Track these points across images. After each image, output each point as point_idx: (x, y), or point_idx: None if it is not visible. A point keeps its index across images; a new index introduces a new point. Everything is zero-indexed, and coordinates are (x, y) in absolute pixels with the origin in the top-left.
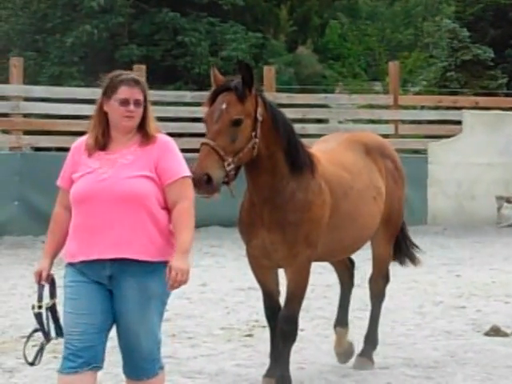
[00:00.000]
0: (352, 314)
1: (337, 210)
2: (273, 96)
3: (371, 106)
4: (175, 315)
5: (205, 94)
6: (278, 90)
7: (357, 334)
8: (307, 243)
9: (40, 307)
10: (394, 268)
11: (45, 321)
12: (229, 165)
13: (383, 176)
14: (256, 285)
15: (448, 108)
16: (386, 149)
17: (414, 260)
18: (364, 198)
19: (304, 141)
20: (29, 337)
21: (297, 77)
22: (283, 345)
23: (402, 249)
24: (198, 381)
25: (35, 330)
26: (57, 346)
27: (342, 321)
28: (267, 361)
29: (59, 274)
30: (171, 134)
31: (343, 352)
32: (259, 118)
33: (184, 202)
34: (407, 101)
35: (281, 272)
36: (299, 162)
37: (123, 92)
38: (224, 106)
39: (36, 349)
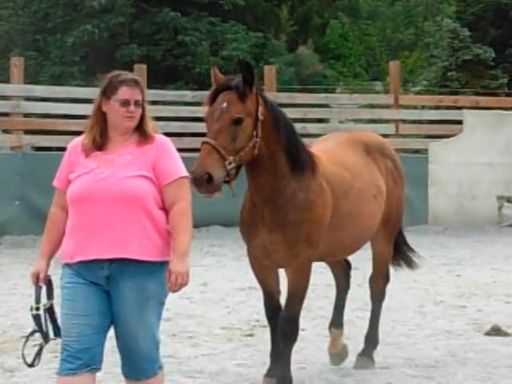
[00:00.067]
0: (353, 314)
1: (338, 210)
2: (273, 96)
3: (372, 106)
4: (176, 315)
5: (205, 94)
6: (279, 90)
7: (358, 333)
8: (308, 243)
9: (38, 309)
10: (395, 268)
11: (43, 322)
12: (230, 164)
13: (383, 175)
14: (257, 284)
15: (449, 108)
16: (385, 148)
17: (410, 264)
18: (365, 197)
19: (305, 140)
20: (27, 338)
21: (297, 76)
22: (284, 345)
23: (399, 252)
24: (198, 380)
25: (33, 332)
26: (57, 345)
27: (337, 322)
28: (268, 360)
29: (56, 274)
30: (172, 134)
31: (337, 353)
32: (260, 117)
33: (181, 203)
34: (408, 100)
35: (281, 272)
36: (300, 161)
37: (124, 93)
38: (225, 105)
39: (35, 349)
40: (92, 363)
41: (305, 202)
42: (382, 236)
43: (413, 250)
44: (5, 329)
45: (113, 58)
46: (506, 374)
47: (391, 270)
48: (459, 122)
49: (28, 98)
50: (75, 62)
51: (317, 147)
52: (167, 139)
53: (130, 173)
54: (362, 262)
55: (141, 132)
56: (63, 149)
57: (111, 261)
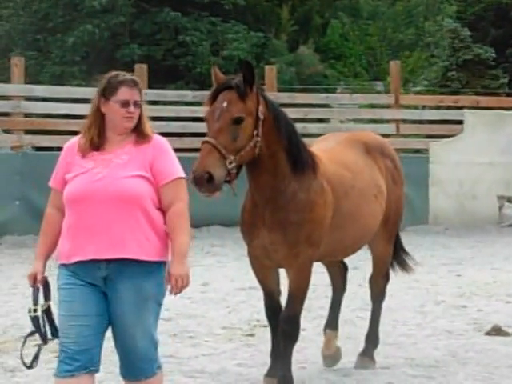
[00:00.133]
0: (353, 314)
1: (338, 210)
2: (274, 96)
3: (372, 106)
4: (176, 315)
5: (206, 94)
6: (280, 90)
7: (358, 333)
8: (309, 243)
9: (35, 310)
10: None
11: (41, 324)
12: (230, 163)
13: (383, 175)
14: (257, 284)
15: (449, 108)
16: (385, 148)
17: (405, 267)
18: (365, 196)
19: (305, 140)
20: (25, 339)
21: (298, 76)
22: (285, 345)
23: (394, 255)
24: (199, 380)
25: (32, 333)
26: (58, 345)
27: (332, 323)
28: (268, 360)
29: (52, 275)
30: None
31: (330, 355)
32: (261, 116)
33: (179, 204)
34: (408, 100)
35: (282, 272)
36: (301, 161)
37: (124, 93)
38: (225, 105)
39: (34, 350)
40: (90, 365)
41: (306, 202)
42: (382, 236)
43: (408, 254)
44: (5, 329)
45: (113, 58)
46: (506, 374)
47: (391, 270)
48: (460, 122)
49: (28, 98)
50: (76, 62)
51: (317, 147)
52: (164, 139)
53: (127, 173)
54: (361, 262)
55: (138, 132)
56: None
57: (108, 261)
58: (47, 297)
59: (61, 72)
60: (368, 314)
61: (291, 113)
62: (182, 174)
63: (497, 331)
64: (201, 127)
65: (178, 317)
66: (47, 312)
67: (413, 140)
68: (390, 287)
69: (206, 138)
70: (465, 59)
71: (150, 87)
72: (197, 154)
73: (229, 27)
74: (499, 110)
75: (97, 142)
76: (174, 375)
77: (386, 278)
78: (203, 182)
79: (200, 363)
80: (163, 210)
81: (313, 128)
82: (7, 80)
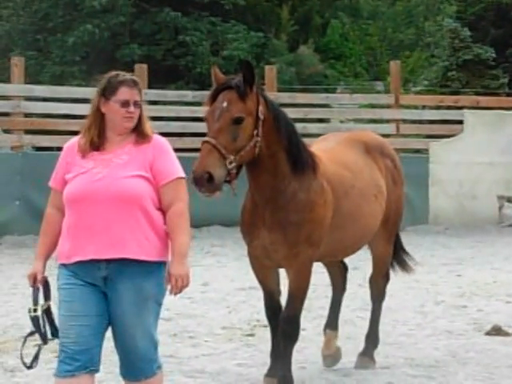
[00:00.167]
0: (353, 314)
1: (339, 210)
2: (274, 96)
3: (372, 106)
4: (176, 315)
5: (206, 94)
6: (280, 90)
7: (358, 333)
8: (309, 243)
9: (35, 310)
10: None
11: (41, 323)
12: (230, 163)
13: (383, 175)
14: (257, 284)
15: (449, 108)
16: (385, 148)
17: (405, 267)
18: (365, 196)
19: (305, 140)
20: (25, 340)
21: (298, 76)
22: (285, 345)
23: (394, 255)
24: (199, 380)
25: (31, 333)
26: (58, 345)
27: (332, 324)
28: (268, 360)
29: (52, 275)
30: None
31: (330, 355)
32: (261, 116)
33: (179, 204)
34: (408, 100)
35: (282, 272)
36: (301, 161)
37: (124, 93)
38: (225, 104)
39: (34, 350)
40: (90, 365)
41: (306, 202)
42: (382, 236)
43: (408, 254)
44: (5, 329)
45: (113, 58)
46: (506, 374)
47: (391, 270)
48: (460, 122)
49: (29, 98)
50: (76, 62)
51: (317, 147)
52: (164, 139)
53: (127, 173)
54: (361, 262)
55: (138, 132)
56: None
57: (108, 261)
58: (47, 297)
59: (61, 72)
60: (368, 314)
61: (291, 113)
62: (182, 174)
63: (497, 331)
64: (201, 127)
65: (178, 317)
66: (47, 312)
67: (413, 140)
68: (390, 287)
69: (205, 138)
70: (465, 59)
71: (150, 87)
72: (197, 154)
73: (229, 27)
74: (499, 110)
75: (97, 142)
76: (174, 375)
77: (386, 278)
78: (203, 181)
79: (200, 363)
80: (163, 210)
81: (313, 128)
82: (7, 80)
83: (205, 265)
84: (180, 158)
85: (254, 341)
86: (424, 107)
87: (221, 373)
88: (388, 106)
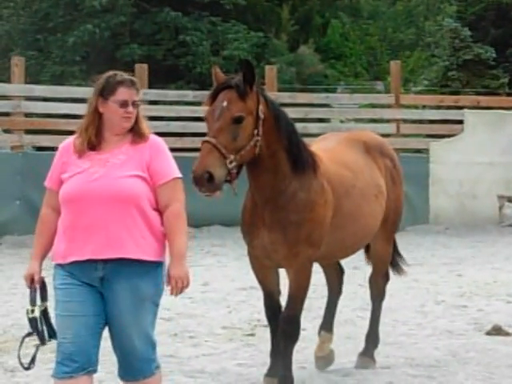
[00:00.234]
0: (353, 314)
1: (339, 209)
2: (274, 95)
3: (373, 106)
4: (177, 314)
5: (206, 94)
6: (280, 90)
7: (358, 333)
8: (309, 243)
9: (33, 311)
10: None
11: (39, 325)
12: (231, 163)
13: (383, 174)
14: (257, 284)
15: (449, 107)
16: (384, 147)
17: (397, 269)
18: (366, 196)
19: (305, 140)
20: (22, 341)
21: (298, 76)
22: (285, 345)
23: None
24: (199, 380)
25: (28, 334)
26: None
27: (326, 326)
28: (269, 360)
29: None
30: (173, 134)
31: (323, 357)
32: (261, 115)
33: (176, 205)
34: (409, 100)
35: (282, 272)
36: (301, 161)
37: (122, 93)
38: (225, 104)
39: (32, 351)
40: (88, 365)
41: (306, 202)
42: (381, 235)
43: (401, 256)
44: (5, 328)
45: (114, 58)
46: (507, 374)
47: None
48: (460, 122)
49: (29, 98)
50: (76, 62)
51: (317, 146)
52: (161, 139)
53: (123, 173)
54: (361, 262)
55: (135, 131)
56: None
57: (106, 261)
58: (44, 297)
59: (61, 72)
60: (368, 314)
61: (291, 113)
62: (179, 175)
63: (497, 331)
64: (201, 127)
65: (179, 317)
66: (44, 313)
67: (413, 140)
68: (390, 287)
69: (206, 138)
70: (465, 59)
71: (150, 87)
72: (197, 154)
73: (229, 27)
74: (499, 109)
75: (94, 142)
76: (174, 375)
77: (386, 278)
78: (203, 181)
79: (200, 363)
80: (160, 211)
81: (313, 128)
82: (7, 80)
83: (205, 265)
84: (180, 158)
85: (254, 341)
86: (424, 107)
87: (221, 373)
88: (388, 106)
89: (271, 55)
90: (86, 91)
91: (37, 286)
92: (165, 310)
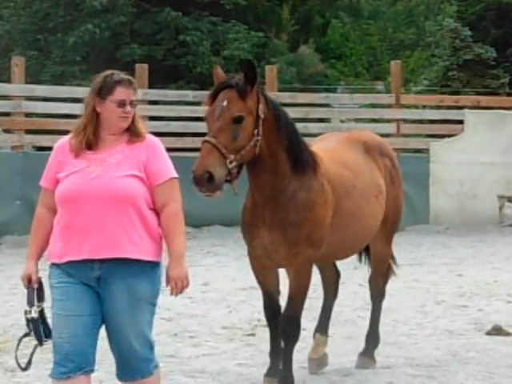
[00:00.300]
0: (354, 314)
1: (339, 209)
2: (275, 95)
3: (373, 106)
4: (177, 314)
5: (207, 94)
6: (280, 90)
7: (359, 333)
8: (309, 243)
9: (31, 312)
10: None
11: (39, 325)
12: (231, 162)
13: (382, 174)
14: (257, 284)
15: (450, 107)
16: (383, 147)
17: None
18: (366, 196)
19: (306, 140)
20: (19, 342)
21: (299, 76)
22: (286, 344)
23: None
24: (199, 380)
25: (26, 335)
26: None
27: (321, 329)
28: (269, 360)
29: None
30: (173, 134)
31: (316, 359)
32: (261, 115)
33: (173, 205)
34: (409, 100)
35: (282, 272)
36: (301, 160)
37: (120, 93)
38: (225, 104)
39: (29, 352)
40: (85, 365)
41: (306, 202)
42: (381, 235)
43: (393, 257)
44: (6, 328)
45: (114, 58)
46: (507, 374)
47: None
48: (460, 122)
49: (29, 98)
50: (76, 62)
51: (317, 146)
52: (157, 139)
53: (120, 172)
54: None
55: (131, 131)
56: None
57: (102, 261)
58: (41, 298)
59: (61, 72)
60: (368, 314)
61: (292, 112)
62: (175, 175)
63: (497, 331)
64: (201, 127)
65: (179, 316)
66: (41, 313)
67: (413, 140)
68: (390, 287)
69: (206, 138)
70: (465, 59)
71: (150, 87)
72: (197, 154)
73: (229, 27)
74: (500, 109)
75: (92, 142)
76: (174, 375)
77: (386, 278)
78: (203, 181)
79: (200, 363)
80: (156, 211)
81: (313, 128)
82: (8, 80)
83: (205, 265)
84: (180, 158)
85: (254, 340)
86: (424, 107)
87: (221, 373)
88: (388, 106)
89: (271, 55)
90: (86, 91)
91: (34, 286)
92: (165, 309)
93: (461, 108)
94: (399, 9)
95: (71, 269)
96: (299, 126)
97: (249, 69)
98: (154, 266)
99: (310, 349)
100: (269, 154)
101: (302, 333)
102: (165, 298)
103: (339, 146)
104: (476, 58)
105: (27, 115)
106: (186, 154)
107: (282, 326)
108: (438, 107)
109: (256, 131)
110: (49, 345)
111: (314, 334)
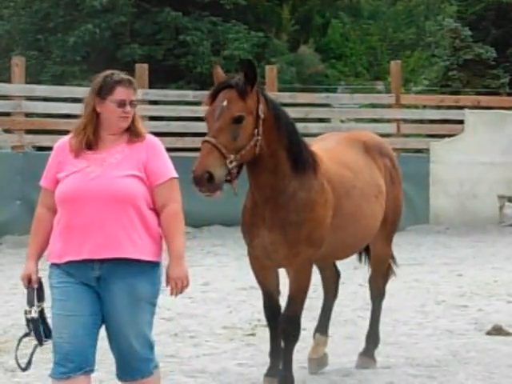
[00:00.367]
0: (354, 313)
1: (339, 209)
2: (275, 95)
3: (373, 106)
4: (177, 314)
5: (207, 93)
6: (280, 90)
7: (359, 333)
8: (309, 243)
9: (31, 312)
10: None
11: (39, 325)
12: (231, 162)
13: (382, 174)
14: (257, 284)
15: (450, 107)
16: (383, 147)
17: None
18: (366, 196)
19: (306, 140)
20: (19, 342)
21: (299, 76)
22: (286, 344)
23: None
24: (200, 380)
25: (25, 335)
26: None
27: (322, 328)
28: (269, 360)
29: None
30: (173, 134)
31: (317, 359)
32: (261, 115)
33: (173, 205)
34: (409, 100)
35: (283, 272)
36: (301, 160)
37: (120, 93)
38: (225, 103)
39: (29, 352)
40: (85, 365)
41: (306, 202)
42: (381, 235)
43: (393, 257)
44: (6, 328)
45: (114, 58)
46: (507, 374)
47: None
48: (460, 122)
49: (29, 98)
50: (76, 62)
51: (317, 146)
52: (157, 139)
53: (120, 172)
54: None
55: (131, 131)
56: None
57: (102, 261)
58: (41, 298)
59: (61, 72)
60: (369, 314)
61: (292, 112)
62: (175, 175)
63: (497, 331)
64: (202, 127)
65: (179, 316)
66: (41, 313)
67: (413, 140)
68: (390, 287)
69: (206, 138)
70: (465, 59)
71: (150, 87)
72: (198, 154)
73: (229, 27)
74: (500, 109)
75: (93, 142)
76: (174, 375)
77: (386, 278)
78: (203, 181)
79: (201, 363)
80: (156, 211)
81: (314, 128)
82: (8, 80)
83: (205, 265)
84: (181, 158)
85: (254, 340)
86: (425, 107)
87: (221, 372)
88: (389, 106)
89: (271, 55)
90: (87, 91)
91: (34, 286)
92: (165, 309)
93: (461, 108)
94: (399, 9)
95: (71, 269)
96: (299, 125)
97: (249, 69)
98: (154, 265)
99: (310, 349)
100: (269, 154)
101: (302, 333)
102: (165, 298)
103: (339, 145)
104: (476, 58)
105: (27, 115)
106: (186, 154)
107: (282, 325)
108: (438, 107)
109: (256, 131)
110: (49, 345)
111: (314, 334)
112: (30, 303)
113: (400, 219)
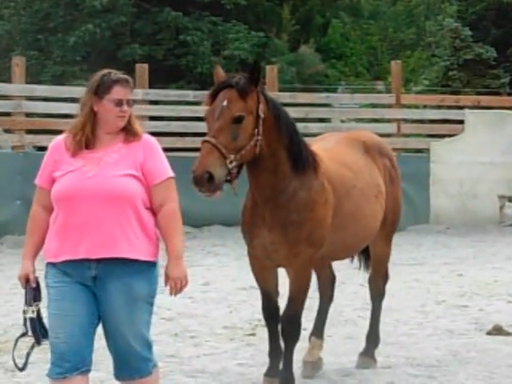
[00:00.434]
0: (354, 313)
1: (340, 209)
2: (275, 95)
3: (373, 106)
4: (178, 314)
5: (207, 93)
6: (281, 90)
7: (359, 333)
8: (309, 243)
9: (29, 311)
10: (397, 267)
11: (37, 325)
12: (231, 162)
13: (382, 174)
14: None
15: (450, 107)
16: (383, 147)
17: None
18: (366, 196)
19: (306, 140)
20: (16, 342)
21: (299, 76)
22: (286, 344)
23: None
24: (200, 380)
25: (22, 335)
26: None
27: (317, 332)
28: (268, 360)
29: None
30: (173, 134)
31: (311, 362)
32: (261, 114)
33: (171, 204)
34: (409, 100)
35: (283, 272)
36: (302, 160)
37: (117, 92)
38: (225, 103)
39: (25, 353)
40: (81, 365)
41: (306, 201)
42: (380, 235)
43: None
44: (6, 328)
45: (114, 58)
46: (507, 374)
47: (394, 270)
48: (461, 122)
49: (30, 98)
50: (77, 62)
51: (317, 146)
52: (154, 139)
53: (117, 172)
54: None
55: (128, 130)
56: None
57: (99, 260)
58: (38, 297)
59: (62, 72)
60: (369, 314)
61: (292, 112)
62: (172, 174)
63: (498, 331)
64: (202, 127)
65: (180, 316)
66: (38, 313)
67: (414, 140)
68: (390, 287)
69: (206, 138)
70: (466, 59)
71: (151, 87)
72: (198, 154)
73: (230, 27)
74: (500, 109)
75: (91, 141)
76: (174, 375)
77: (386, 278)
78: (203, 181)
79: (201, 363)
80: (152, 210)
81: (314, 128)
82: (8, 80)
83: (206, 265)
84: (181, 158)
85: (255, 340)
86: (425, 107)
87: (222, 372)
88: (389, 106)
89: (272, 55)
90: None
91: (32, 286)
92: (165, 309)
93: (461, 108)
94: (399, 9)
95: (67, 268)
96: (299, 125)
97: (255, 70)
98: (151, 265)
99: (306, 352)
100: (269, 154)
101: (303, 333)
102: (165, 298)
103: (339, 145)
104: (476, 58)
105: (28, 115)
106: (186, 154)
107: (283, 325)
108: (439, 107)
109: (256, 131)
110: (49, 345)
111: (310, 338)
112: (28, 303)
113: (399, 219)
